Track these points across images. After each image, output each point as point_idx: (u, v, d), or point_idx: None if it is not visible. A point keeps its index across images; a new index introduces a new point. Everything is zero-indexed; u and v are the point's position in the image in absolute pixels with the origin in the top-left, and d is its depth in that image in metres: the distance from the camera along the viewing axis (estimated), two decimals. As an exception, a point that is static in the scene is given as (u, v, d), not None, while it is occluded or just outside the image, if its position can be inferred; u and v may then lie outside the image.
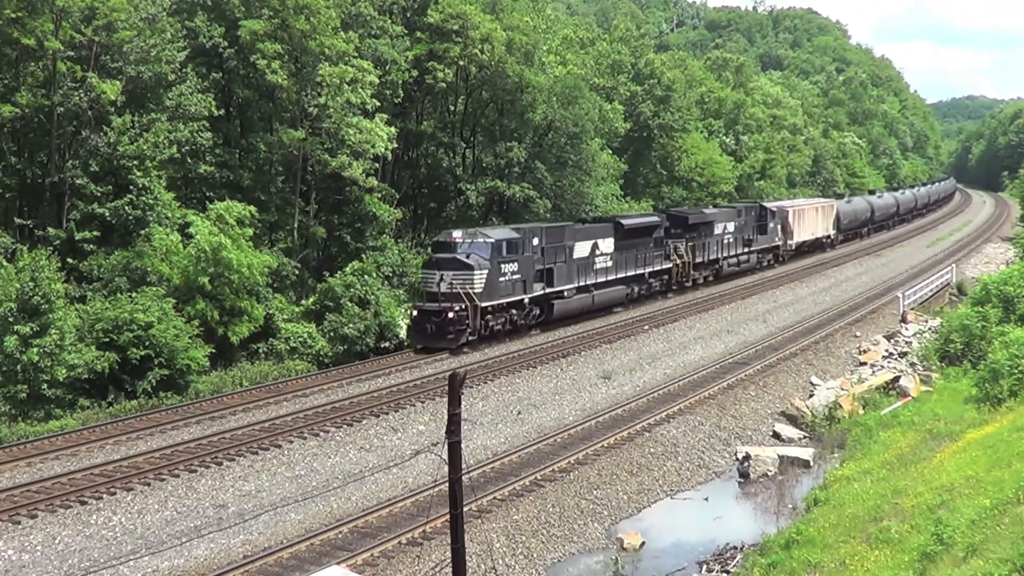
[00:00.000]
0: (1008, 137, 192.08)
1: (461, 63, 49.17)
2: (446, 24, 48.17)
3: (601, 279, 43.78)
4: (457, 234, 37.72)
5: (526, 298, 39.10)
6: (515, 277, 38.00)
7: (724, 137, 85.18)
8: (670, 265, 50.50)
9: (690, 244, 51.92)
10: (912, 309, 49.67)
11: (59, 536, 19.85)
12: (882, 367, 38.61)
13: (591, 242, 43.08)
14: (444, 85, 49.31)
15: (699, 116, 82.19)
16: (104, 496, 21.60)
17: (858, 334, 44.47)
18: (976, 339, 36.68)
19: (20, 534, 19.71)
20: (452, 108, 54.31)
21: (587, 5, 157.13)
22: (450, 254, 36.66)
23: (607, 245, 44.25)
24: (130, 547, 19.75)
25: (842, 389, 34.70)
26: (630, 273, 46.35)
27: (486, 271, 36.31)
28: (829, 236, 75.80)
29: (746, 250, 59.51)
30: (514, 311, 38.76)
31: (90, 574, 18.62)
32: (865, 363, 39.67)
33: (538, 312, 40.55)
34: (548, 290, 40.25)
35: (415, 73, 47.47)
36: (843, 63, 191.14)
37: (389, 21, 46.99)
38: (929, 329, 45.42)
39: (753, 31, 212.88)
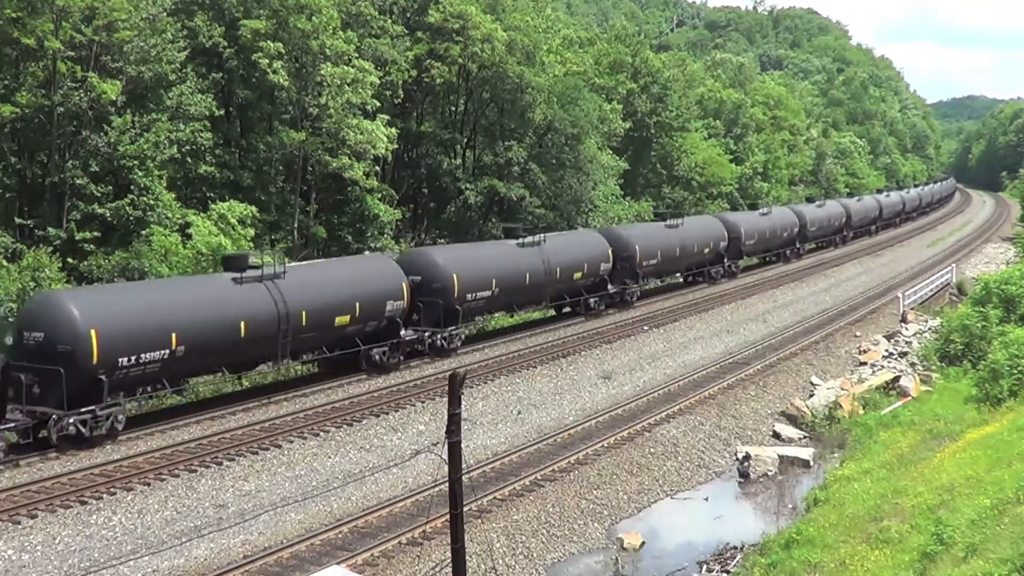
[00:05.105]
0: (1008, 137, 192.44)
1: (461, 62, 49.20)
2: (447, 24, 48.20)
3: None
4: None
5: None
6: None
7: (725, 139, 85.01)
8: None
9: None
10: (912, 309, 49.67)
11: (59, 536, 19.84)
12: (882, 367, 38.59)
13: None
14: (442, 80, 49.26)
15: (699, 116, 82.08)
16: (104, 496, 21.58)
17: (858, 334, 44.47)
18: (976, 339, 36.74)
19: (20, 534, 19.69)
20: (453, 108, 54.31)
21: (587, 5, 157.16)
22: None
23: None
24: (130, 547, 19.75)
25: (842, 389, 34.69)
26: None
27: None
28: None
29: None
30: None
31: (90, 574, 18.62)
32: (865, 363, 39.66)
33: None
34: None
35: (415, 73, 47.46)
36: (843, 63, 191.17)
37: (389, 21, 47.02)
38: (929, 329, 45.41)
39: (753, 31, 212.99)
